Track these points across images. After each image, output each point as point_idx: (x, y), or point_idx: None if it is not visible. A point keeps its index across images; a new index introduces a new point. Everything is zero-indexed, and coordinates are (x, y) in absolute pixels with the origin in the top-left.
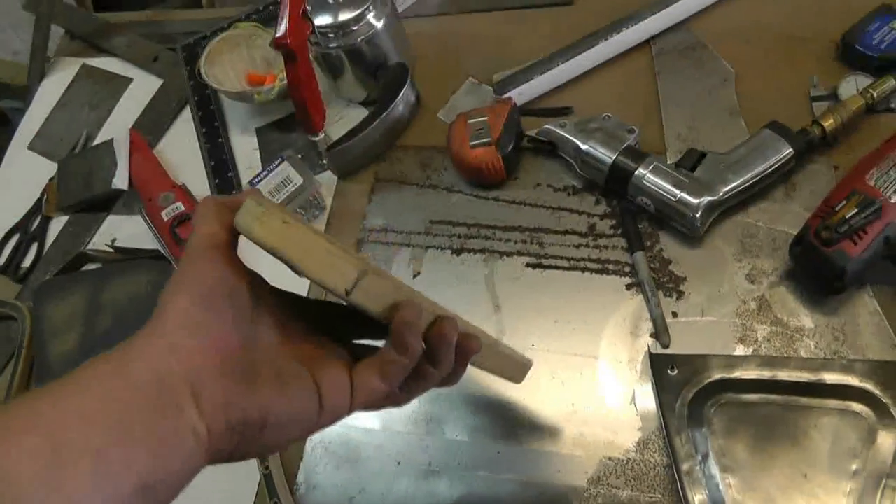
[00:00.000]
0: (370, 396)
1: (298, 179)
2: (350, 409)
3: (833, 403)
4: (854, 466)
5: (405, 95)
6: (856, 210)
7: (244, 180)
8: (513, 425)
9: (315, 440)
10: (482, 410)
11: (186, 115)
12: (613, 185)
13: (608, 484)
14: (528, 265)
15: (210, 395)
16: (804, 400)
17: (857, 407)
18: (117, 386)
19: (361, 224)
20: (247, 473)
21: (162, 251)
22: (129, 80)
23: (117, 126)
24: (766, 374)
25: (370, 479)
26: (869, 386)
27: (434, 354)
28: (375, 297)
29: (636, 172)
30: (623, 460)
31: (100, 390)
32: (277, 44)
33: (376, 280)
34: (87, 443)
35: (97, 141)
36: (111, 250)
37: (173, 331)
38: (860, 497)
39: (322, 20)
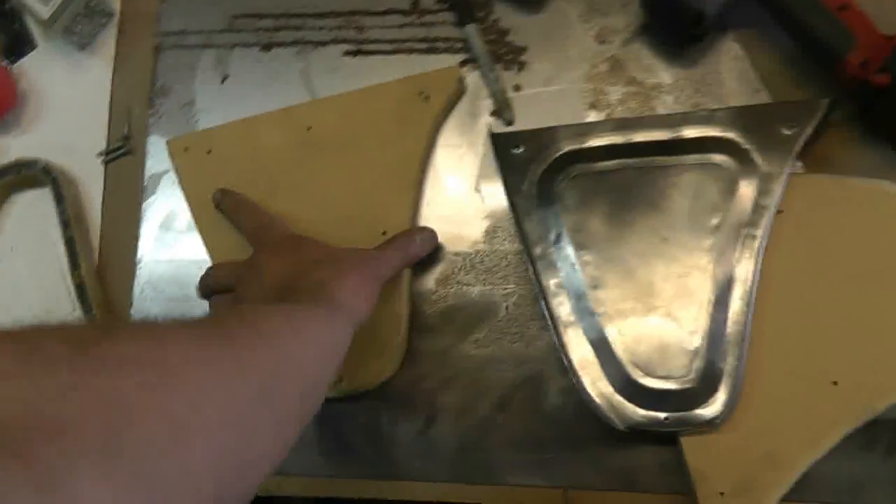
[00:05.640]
0: None
1: None
2: None
3: (693, 158)
4: (714, 221)
5: None
6: None
7: None
8: None
9: (143, 279)
10: None
11: None
12: None
13: (458, 281)
14: (346, 53)
15: None
16: (662, 159)
17: (718, 158)
18: None
19: (156, 28)
20: None
21: None
22: None
23: None
24: (620, 138)
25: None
26: (730, 134)
27: None
28: None
29: None
30: (471, 254)
31: None
32: None
33: None
34: None
35: None
36: None
37: None
38: (721, 251)
39: None
